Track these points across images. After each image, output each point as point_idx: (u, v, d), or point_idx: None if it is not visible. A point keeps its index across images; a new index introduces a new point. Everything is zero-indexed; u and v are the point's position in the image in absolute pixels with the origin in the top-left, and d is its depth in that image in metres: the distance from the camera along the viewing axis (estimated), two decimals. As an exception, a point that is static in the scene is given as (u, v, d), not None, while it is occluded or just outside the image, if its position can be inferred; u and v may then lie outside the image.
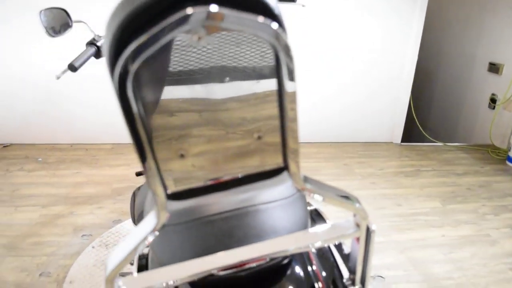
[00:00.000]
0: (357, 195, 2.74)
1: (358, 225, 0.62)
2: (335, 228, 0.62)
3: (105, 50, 0.41)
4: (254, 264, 0.64)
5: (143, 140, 0.43)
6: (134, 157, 3.20)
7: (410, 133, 4.34)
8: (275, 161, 0.49)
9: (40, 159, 3.11)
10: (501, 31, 3.66)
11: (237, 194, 0.72)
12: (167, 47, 0.40)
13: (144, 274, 0.58)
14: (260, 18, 0.40)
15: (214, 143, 0.47)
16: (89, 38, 1.43)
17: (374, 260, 2.07)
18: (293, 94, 0.45)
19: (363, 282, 0.70)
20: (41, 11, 1.34)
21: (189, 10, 0.37)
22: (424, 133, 4.05)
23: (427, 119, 4.74)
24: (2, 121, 3.28)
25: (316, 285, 0.72)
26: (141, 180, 2.25)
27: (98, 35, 1.40)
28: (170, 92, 0.42)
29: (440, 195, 2.79)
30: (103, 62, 1.45)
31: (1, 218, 2.32)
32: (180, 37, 0.39)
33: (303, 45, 3.28)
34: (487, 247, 2.27)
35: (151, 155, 0.44)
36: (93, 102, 3.28)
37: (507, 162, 3.42)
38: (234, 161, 0.48)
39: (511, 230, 2.45)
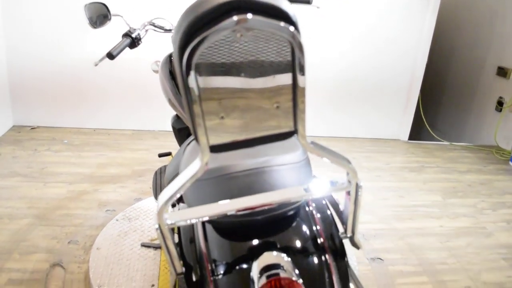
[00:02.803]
0: (363, 186, 2.90)
1: (349, 182, 0.80)
2: (332, 182, 0.80)
3: (175, 43, 0.61)
4: (266, 208, 0.81)
5: (196, 105, 0.62)
6: (153, 142, 3.40)
7: (419, 133, 4.48)
8: (288, 124, 0.67)
9: (66, 141, 3.32)
10: (510, 36, 3.78)
11: (257, 156, 0.90)
12: (219, 42, 0.59)
13: (183, 210, 0.76)
14: (282, 23, 0.60)
15: (245, 110, 0.65)
16: (124, 30, 1.61)
17: (375, 244, 2.23)
18: (303, 79, 0.65)
19: (353, 231, 0.87)
20: (85, 5, 1.53)
21: (235, 17, 0.57)
22: (432, 133, 4.18)
23: (436, 119, 4.86)
24: (31, 104, 3.49)
25: (316, 235, 0.90)
26: (160, 163, 2.43)
27: (133, 28, 1.58)
28: (218, 74, 0.62)
29: (442, 190, 2.93)
30: (133, 52, 1.63)
31: (32, 192, 2.53)
32: (228, 34, 0.59)
33: (316, 44, 3.44)
34: (482, 239, 2.41)
35: (201, 115, 0.63)
36: (117, 91, 3.49)
37: (510, 163, 3.54)
38: (258, 123, 0.66)
39: (507, 224, 2.59)
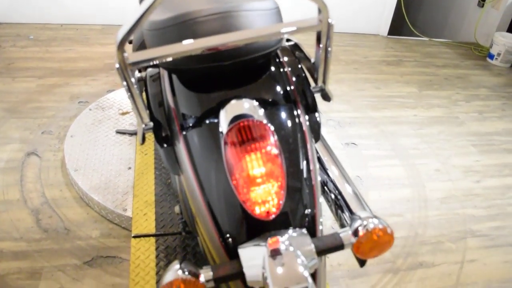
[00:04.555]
0: (340, 78, 2.89)
1: (320, 21, 0.76)
2: (302, 22, 0.76)
3: None
4: (234, 52, 0.78)
5: None
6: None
7: (399, 30, 4.39)
8: None
9: (31, 36, 3.14)
10: None
11: (224, 2, 0.84)
12: None
13: (145, 50, 0.72)
14: None
15: None
16: None
17: (349, 131, 2.27)
18: None
19: (324, 81, 0.86)
20: None
21: None
22: (412, 29, 4.11)
23: (417, 16, 4.76)
24: (-10, -2, 3.25)
25: (287, 88, 0.88)
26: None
27: None
28: None
29: (418, 83, 2.94)
30: None
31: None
32: None
33: None
34: (454, 127, 2.47)
35: None
36: (82, -19, 3.25)
37: (487, 59, 3.54)
38: None
39: (479, 115, 2.65)
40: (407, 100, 2.67)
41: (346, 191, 1.01)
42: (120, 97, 2.21)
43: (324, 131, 2.23)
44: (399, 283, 1.51)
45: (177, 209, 1.18)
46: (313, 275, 0.78)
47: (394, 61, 3.25)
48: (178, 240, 1.43)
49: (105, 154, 1.80)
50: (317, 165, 0.84)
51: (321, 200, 1.01)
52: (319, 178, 0.83)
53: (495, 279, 1.58)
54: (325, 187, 1.11)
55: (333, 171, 1.08)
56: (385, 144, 2.20)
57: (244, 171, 0.73)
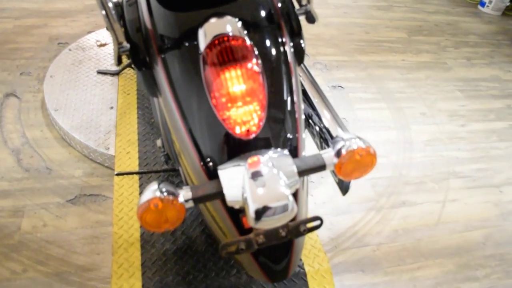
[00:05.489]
0: (328, 22, 2.83)
1: None
2: None
3: None
4: None
5: None
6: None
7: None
8: None
9: (6, -24, 2.99)
10: None
11: None
12: None
13: None
14: None
15: None
16: None
17: (336, 74, 2.24)
18: None
19: (309, 1, 0.82)
20: None
21: None
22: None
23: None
24: None
25: (271, 9, 0.84)
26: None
27: None
28: None
29: (407, 28, 2.89)
30: None
31: (-26, 27, 2.33)
32: None
33: None
34: (442, 73, 2.45)
35: None
36: None
37: (479, 6, 3.48)
38: None
39: (467, 61, 2.63)
40: (396, 45, 2.63)
41: (328, 118, 1.00)
42: (102, 37, 2.13)
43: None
44: (381, 220, 1.54)
45: (159, 142, 1.16)
46: (294, 196, 0.77)
47: (384, 6, 3.17)
48: (162, 178, 1.42)
49: (86, 94, 1.75)
50: (300, 87, 0.82)
51: (306, 133, 0.99)
52: (302, 101, 0.81)
53: (475, 218, 1.62)
54: (310, 120, 1.10)
55: (315, 100, 1.06)
56: (372, 88, 2.18)
57: (224, 88, 0.70)
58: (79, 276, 1.26)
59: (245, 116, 0.71)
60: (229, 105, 0.70)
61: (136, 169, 1.45)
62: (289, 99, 0.77)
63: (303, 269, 1.23)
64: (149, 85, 0.82)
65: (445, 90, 2.30)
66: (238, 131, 0.71)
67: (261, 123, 0.72)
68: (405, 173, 1.73)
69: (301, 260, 1.25)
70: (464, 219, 1.60)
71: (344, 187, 0.95)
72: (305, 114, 1.09)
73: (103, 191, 1.50)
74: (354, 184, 1.65)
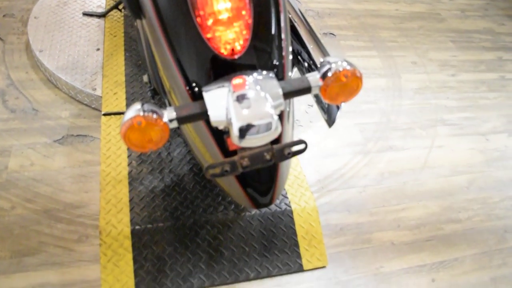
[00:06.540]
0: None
1: None
2: None
3: None
4: None
5: None
6: None
7: None
8: None
9: None
10: None
11: None
12: None
13: None
14: None
15: None
16: None
17: (328, 22, 2.20)
18: None
19: None
20: None
21: None
22: None
23: None
24: None
25: None
26: None
27: None
28: None
29: (402, -22, 2.83)
30: None
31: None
32: None
33: None
34: (435, 23, 2.42)
35: None
36: None
37: (476, -42, 3.40)
38: None
39: (461, 13, 2.59)
40: (390, -5, 2.58)
41: (317, 53, 0.99)
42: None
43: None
44: (368, 163, 1.55)
45: (145, 78, 1.14)
46: (280, 118, 0.77)
47: (379, -45, 3.09)
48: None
49: (72, 35, 1.71)
50: (287, 12, 0.80)
51: (296, 70, 0.98)
52: (289, 25, 0.79)
53: (461, 163, 1.64)
54: (299, 57, 1.08)
55: (305, 37, 1.04)
56: (364, 36, 2.16)
57: (208, 6, 0.68)
58: (68, 213, 1.27)
59: (230, 35, 0.69)
60: (214, 23, 0.69)
61: (124, 109, 1.43)
62: (275, 21, 0.75)
63: (290, 206, 1.25)
64: (133, 7, 0.80)
65: (437, 41, 2.28)
66: (223, 51, 0.70)
67: (247, 44, 0.70)
68: (393, 119, 1.74)
69: (287, 197, 1.27)
70: (449, 165, 1.62)
71: (331, 119, 0.95)
72: (294, 50, 1.08)
73: (91, 131, 1.49)
74: (342, 128, 1.65)
